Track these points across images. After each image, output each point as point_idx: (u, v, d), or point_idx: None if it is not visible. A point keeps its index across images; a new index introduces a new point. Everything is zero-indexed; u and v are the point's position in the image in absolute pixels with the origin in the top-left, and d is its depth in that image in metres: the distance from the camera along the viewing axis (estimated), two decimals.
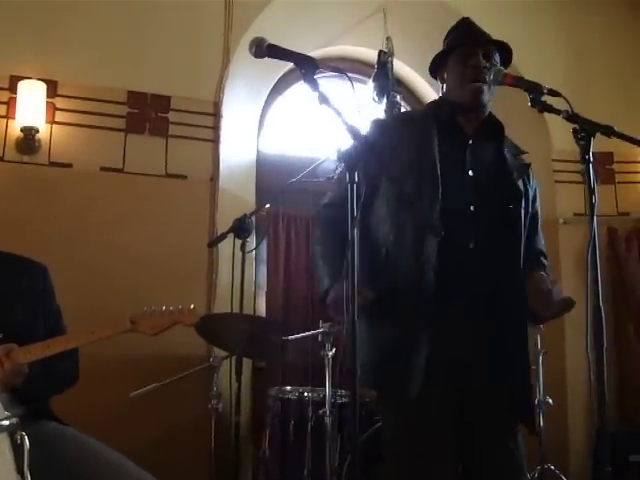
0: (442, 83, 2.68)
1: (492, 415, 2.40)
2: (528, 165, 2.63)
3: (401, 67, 5.35)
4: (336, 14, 5.30)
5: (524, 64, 4.52)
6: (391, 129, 2.63)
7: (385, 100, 4.70)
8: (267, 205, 4.06)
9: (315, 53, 5.44)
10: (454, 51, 2.60)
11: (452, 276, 2.36)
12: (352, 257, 1.85)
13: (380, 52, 4.87)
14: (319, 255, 2.60)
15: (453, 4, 5.16)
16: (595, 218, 2.09)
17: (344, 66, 5.70)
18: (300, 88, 5.42)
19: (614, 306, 5.37)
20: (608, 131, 2.11)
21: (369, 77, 4.99)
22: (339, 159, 1.93)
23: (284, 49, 2.10)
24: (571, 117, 2.15)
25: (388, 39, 4.91)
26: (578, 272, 4.83)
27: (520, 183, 2.54)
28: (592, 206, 2.08)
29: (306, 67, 2.04)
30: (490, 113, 2.61)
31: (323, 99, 1.98)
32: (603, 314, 2.04)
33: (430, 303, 2.33)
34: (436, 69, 2.69)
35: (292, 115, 5.53)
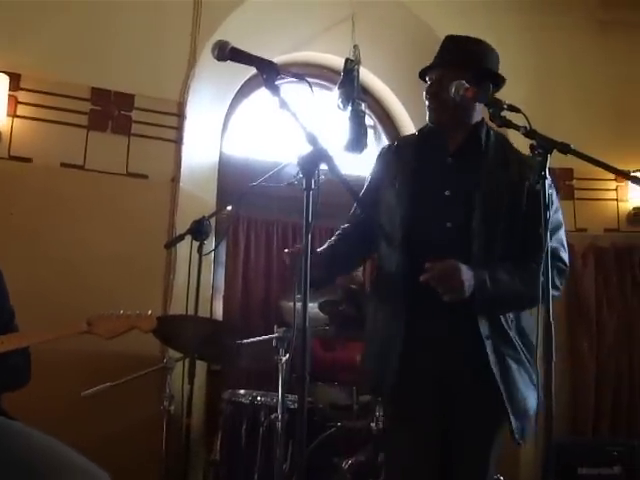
0: None
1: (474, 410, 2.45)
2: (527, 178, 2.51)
3: (367, 75, 5.36)
4: (305, 20, 5.31)
5: None
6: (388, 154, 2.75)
7: (350, 107, 4.72)
8: (229, 207, 4.05)
9: (283, 58, 5.46)
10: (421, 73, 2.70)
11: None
12: (305, 262, 1.86)
13: (347, 60, 4.88)
14: None
15: (422, 16, 5.20)
16: (549, 234, 2.10)
17: (311, 72, 5.73)
18: (266, 92, 5.40)
19: (569, 322, 5.44)
20: (564, 148, 2.12)
21: (335, 84, 5.00)
22: (297, 165, 1.93)
23: (246, 53, 2.11)
24: (529, 133, 2.16)
25: (355, 47, 4.92)
26: None
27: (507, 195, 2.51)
28: (546, 222, 2.09)
29: (267, 72, 2.06)
30: (477, 127, 2.62)
31: (283, 104, 1.99)
32: (553, 330, 2.05)
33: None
34: None
35: (257, 118, 5.53)
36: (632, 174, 2.18)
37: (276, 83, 2.05)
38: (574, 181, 5.51)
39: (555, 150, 2.13)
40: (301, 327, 1.84)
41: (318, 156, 1.88)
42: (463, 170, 2.54)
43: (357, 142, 4.68)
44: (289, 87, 5.32)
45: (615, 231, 5.64)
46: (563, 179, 5.40)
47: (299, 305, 1.93)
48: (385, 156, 2.73)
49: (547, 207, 2.08)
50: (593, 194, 5.57)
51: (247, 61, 2.11)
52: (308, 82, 2.08)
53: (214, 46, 2.11)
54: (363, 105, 4.76)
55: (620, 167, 5.40)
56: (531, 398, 2.44)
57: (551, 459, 2.18)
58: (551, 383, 2.08)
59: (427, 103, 2.61)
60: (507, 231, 2.47)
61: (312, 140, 1.92)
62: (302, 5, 5.20)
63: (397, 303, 2.45)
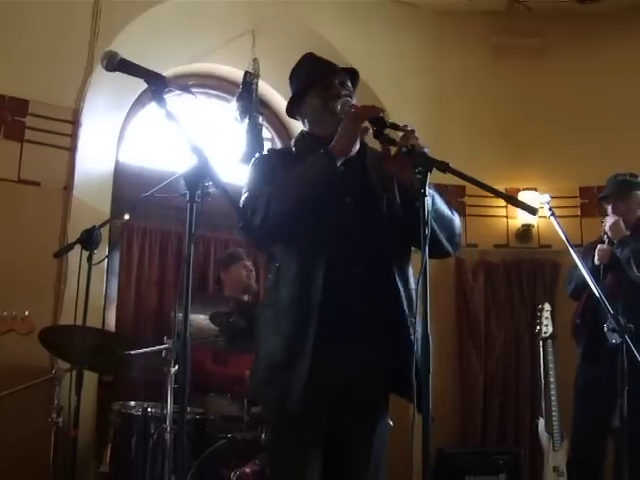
0: (303, 119, 2.68)
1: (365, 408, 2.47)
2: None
3: (266, 89, 5.42)
4: (206, 32, 5.32)
5: (386, 104, 4.70)
6: (276, 163, 2.58)
7: (247, 120, 4.75)
8: (127, 216, 4.01)
9: (183, 69, 5.48)
10: (312, 86, 2.61)
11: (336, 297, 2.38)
12: (188, 271, 1.88)
13: (246, 73, 4.91)
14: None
15: (322, 33, 5.31)
16: (427, 248, 2.15)
17: (211, 83, 5.75)
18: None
19: (459, 333, 5.61)
20: (443, 167, 2.17)
21: (234, 96, 5.03)
22: (182, 177, 1.95)
23: (135, 65, 2.11)
24: (410, 151, 2.23)
25: (255, 60, 4.98)
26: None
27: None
28: (425, 238, 2.15)
29: (155, 84, 2.06)
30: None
31: (169, 116, 2.00)
32: (431, 341, 2.11)
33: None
34: (293, 108, 2.69)
35: (154, 128, 5.49)
36: (506, 192, 2.26)
37: (164, 95, 2.04)
38: (466, 198, 5.69)
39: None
40: (184, 338, 1.84)
41: (202, 168, 1.90)
42: (354, 174, 2.53)
43: (253, 155, 4.68)
44: (188, 98, 5.40)
45: (505, 247, 5.86)
46: (455, 196, 5.57)
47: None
48: (272, 161, 2.62)
49: (426, 223, 2.14)
50: (484, 211, 5.76)
51: (135, 73, 2.11)
52: (194, 95, 2.10)
53: (103, 56, 2.11)
54: (260, 118, 4.80)
55: (511, 185, 5.65)
56: None
57: (428, 467, 2.23)
58: (428, 394, 2.12)
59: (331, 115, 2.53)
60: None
61: (197, 152, 1.93)
62: (204, 17, 5.20)
63: (306, 310, 2.37)
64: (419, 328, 2.33)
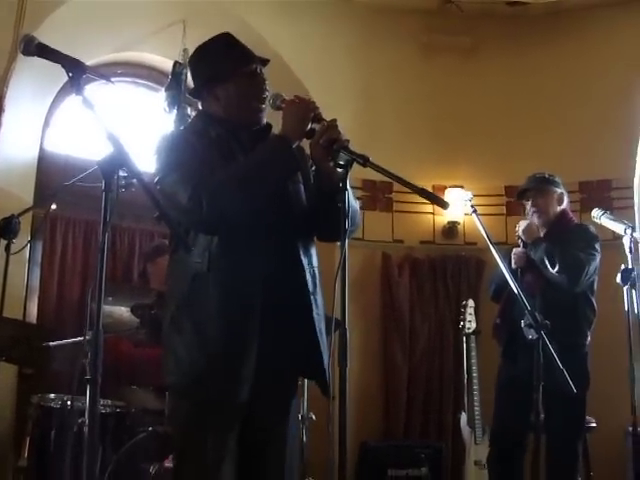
0: (215, 101, 2.56)
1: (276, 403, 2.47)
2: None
3: None
4: (136, 20, 5.25)
5: (316, 98, 4.68)
6: (193, 143, 2.47)
7: (175, 111, 4.70)
8: (54, 206, 3.94)
9: (113, 57, 5.40)
10: (236, 71, 2.54)
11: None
12: (102, 260, 1.86)
13: (175, 63, 4.86)
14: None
15: (254, 25, 5.29)
16: (347, 242, 2.14)
17: (140, 73, 5.67)
18: (91, 89, 5.30)
19: (384, 328, 5.66)
20: (363, 160, 2.19)
21: (164, 86, 4.98)
22: (97, 166, 1.92)
23: (53, 50, 2.08)
24: (330, 144, 2.26)
25: (185, 51, 4.91)
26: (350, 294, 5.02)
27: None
28: (345, 231, 2.16)
29: (73, 70, 2.03)
30: (270, 126, 2.59)
31: (86, 103, 1.97)
32: (348, 336, 2.12)
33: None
34: (205, 88, 2.59)
35: (81, 116, 5.38)
36: (433, 189, 2.27)
37: (82, 82, 2.01)
38: (393, 194, 5.75)
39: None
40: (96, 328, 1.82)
41: (117, 157, 1.88)
42: None
43: None
44: (116, 87, 5.33)
45: (430, 243, 5.92)
46: (383, 192, 5.62)
47: (104, 307, 1.91)
48: (191, 141, 2.49)
49: (346, 216, 2.16)
50: (411, 207, 5.79)
51: (53, 58, 2.07)
52: (113, 83, 2.06)
53: (21, 40, 2.07)
54: (189, 109, 4.75)
55: (438, 182, 5.70)
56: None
57: (343, 461, 2.24)
58: (345, 388, 2.12)
59: (258, 97, 2.51)
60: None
61: (113, 140, 1.90)
62: (135, 5, 5.13)
63: (249, 298, 2.34)
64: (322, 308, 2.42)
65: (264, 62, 2.60)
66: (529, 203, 4.16)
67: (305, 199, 2.53)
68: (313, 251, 2.54)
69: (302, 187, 2.53)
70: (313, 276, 2.48)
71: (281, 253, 2.42)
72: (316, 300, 2.46)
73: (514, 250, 4.09)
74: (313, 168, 2.50)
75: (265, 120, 2.57)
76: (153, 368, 4.10)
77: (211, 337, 2.33)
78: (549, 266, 3.89)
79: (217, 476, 2.34)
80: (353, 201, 2.44)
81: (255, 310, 2.32)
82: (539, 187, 4.15)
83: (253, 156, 2.41)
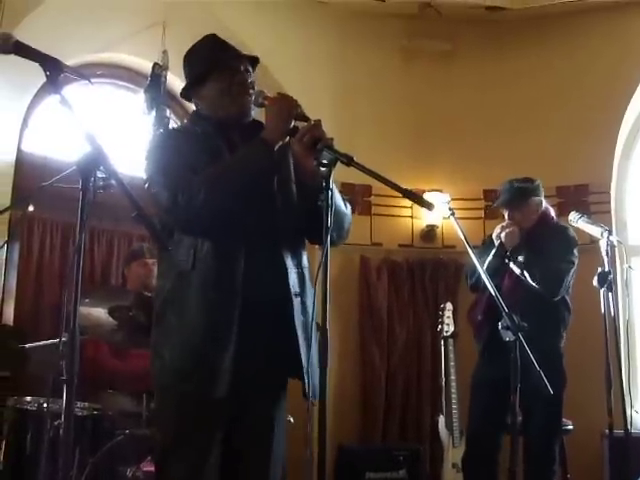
0: (201, 101, 2.62)
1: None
2: None
3: (175, 82, 5.36)
4: (116, 21, 5.23)
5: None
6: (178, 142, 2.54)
7: (154, 112, 4.69)
8: (31, 208, 3.90)
9: (92, 57, 5.37)
10: (217, 70, 2.57)
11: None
12: (78, 261, 1.85)
13: (155, 64, 4.85)
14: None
15: (233, 28, 5.27)
16: (328, 243, 2.15)
17: (119, 74, 5.65)
18: (70, 91, 5.27)
19: (362, 330, 5.67)
20: (347, 160, 2.20)
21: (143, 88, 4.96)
22: (75, 166, 1.92)
23: (30, 48, 2.07)
24: (314, 143, 2.28)
25: (164, 52, 4.91)
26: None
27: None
28: (327, 230, 2.15)
29: (51, 69, 2.02)
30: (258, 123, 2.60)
31: (64, 102, 1.97)
32: (329, 336, 2.12)
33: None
34: (191, 90, 2.64)
35: (60, 117, 5.35)
36: (409, 189, 2.27)
37: (59, 80, 2.00)
38: (372, 197, 5.76)
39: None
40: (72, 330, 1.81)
41: (95, 157, 1.87)
42: None
43: None
44: (95, 88, 5.31)
45: (409, 247, 5.95)
46: (362, 195, 5.63)
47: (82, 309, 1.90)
48: (180, 140, 2.56)
49: (328, 215, 2.16)
50: (390, 210, 5.82)
51: (31, 56, 2.06)
52: (91, 82, 2.05)
53: None
54: (168, 111, 4.75)
55: (416, 186, 5.72)
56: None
57: (323, 464, 2.24)
58: (325, 389, 2.13)
59: (242, 93, 2.54)
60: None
61: (90, 140, 1.90)
62: (114, 6, 5.10)
63: (230, 294, 2.37)
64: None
65: (253, 60, 2.64)
66: (506, 213, 4.16)
67: (297, 199, 2.53)
68: (304, 252, 2.56)
69: (294, 187, 2.53)
70: (301, 277, 2.49)
71: (265, 253, 2.43)
72: (304, 302, 2.46)
73: (503, 229, 4.05)
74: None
75: (252, 114, 2.59)
76: (130, 378, 4.09)
77: (192, 333, 2.36)
78: (529, 278, 3.90)
79: (201, 476, 2.35)
80: (340, 203, 2.46)
81: (234, 309, 2.34)
82: (515, 203, 4.13)
83: (233, 156, 2.45)
